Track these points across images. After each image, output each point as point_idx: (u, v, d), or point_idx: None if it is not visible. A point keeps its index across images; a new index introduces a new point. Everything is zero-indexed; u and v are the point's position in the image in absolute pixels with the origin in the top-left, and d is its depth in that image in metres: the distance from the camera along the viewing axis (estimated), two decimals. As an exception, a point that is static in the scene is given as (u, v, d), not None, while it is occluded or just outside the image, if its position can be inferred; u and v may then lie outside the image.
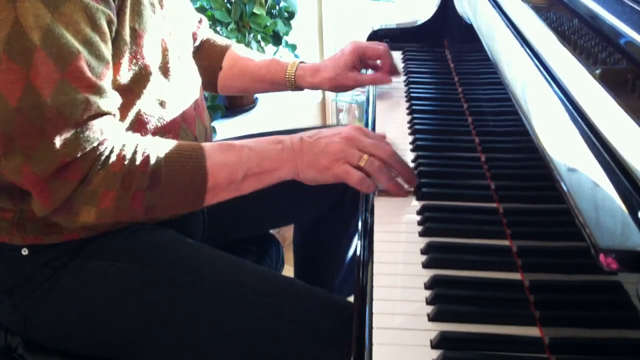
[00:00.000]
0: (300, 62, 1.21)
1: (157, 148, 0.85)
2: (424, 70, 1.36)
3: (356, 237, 0.86)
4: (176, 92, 0.96)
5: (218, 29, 2.20)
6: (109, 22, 0.82)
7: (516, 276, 0.73)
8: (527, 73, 0.74)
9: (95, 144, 0.79)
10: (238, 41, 2.28)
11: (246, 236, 1.24)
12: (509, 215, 0.81)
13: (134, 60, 0.87)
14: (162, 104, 0.92)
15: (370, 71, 1.26)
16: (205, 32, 1.24)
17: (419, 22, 1.52)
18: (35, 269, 0.90)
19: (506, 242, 0.78)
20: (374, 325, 0.66)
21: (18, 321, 0.93)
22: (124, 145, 0.82)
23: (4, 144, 0.78)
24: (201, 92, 1.07)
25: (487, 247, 0.78)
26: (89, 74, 0.78)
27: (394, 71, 1.25)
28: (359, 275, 0.77)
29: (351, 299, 0.79)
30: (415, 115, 1.14)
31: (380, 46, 1.23)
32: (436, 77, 1.34)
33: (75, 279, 0.90)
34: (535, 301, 0.67)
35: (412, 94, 1.24)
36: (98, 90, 0.79)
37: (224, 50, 1.23)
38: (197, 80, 1.06)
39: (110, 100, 0.82)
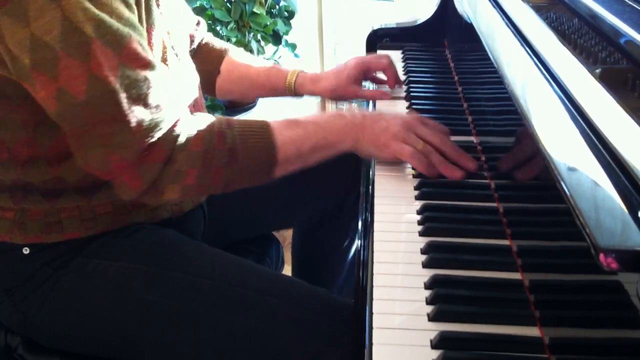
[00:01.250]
0: (301, 71, 1.22)
1: (230, 125, 0.88)
2: (423, 69, 1.36)
3: (356, 238, 0.86)
4: (175, 89, 0.96)
5: (218, 28, 2.20)
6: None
7: (516, 276, 0.73)
8: (527, 72, 0.74)
9: (171, 123, 0.83)
10: (238, 40, 2.28)
11: (246, 237, 1.24)
12: (509, 215, 0.81)
13: None
14: None
15: (371, 85, 1.27)
16: (203, 34, 1.24)
17: (419, 22, 1.51)
18: (35, 268, 0.90)
19: (506, 242, 0.78)
20: (374, 325, 0.66)
21: (18, 321, 0.93)
22: (198, 125, 0.86)
23: (77, 140, 0.80)
24: (200, 90, 1.07)
25: (487, 247, 0.78)
26: (142, 53, 0.80)
27: (397, 82, 1.26)
28: (359, 275, 0.77)
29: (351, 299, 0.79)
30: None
31: (383, 59, 1.24)
32: (436, 76, 1.34)
33: (75, 278, 0.90)
34: (535, 301, 0.67)
35: (412, 94, 1.24)
36: (153, 67, 0.82)
37: (222, 54, 1.23)
38: (195, 78, 1.06)
39: (163, 73, 0.84)
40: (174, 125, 0.83)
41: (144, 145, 0.80)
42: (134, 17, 0.81)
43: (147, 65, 0.81)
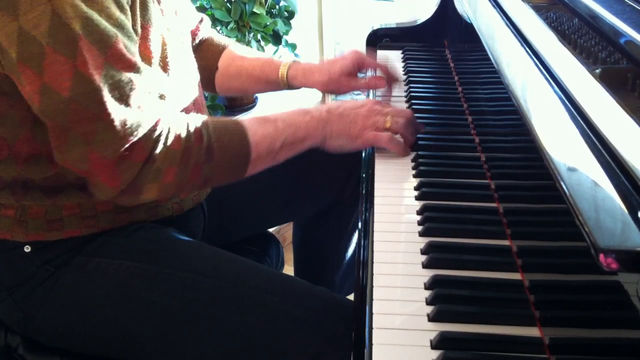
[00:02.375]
0: (294, 62, 1.20)
1: (205, 124, 0.89)
2: (423, 69, 1.36)
3: (356, 235, 0.87)
4: (175, 87, 0.96)
5: (218, 28, 2.20)
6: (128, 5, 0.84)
7: (516, 276, 0.73)
8: (527, 72, 0.74)
9: (152, 123, 0.83)
10: (238, 40, 2.28)
11: (246, 234, 1.24)
12: (509, 215, 0.81)
13: (139, 54, 0.87)
14: (161, 97, 0.92)
15: (371, 93, 1.26)
16: (206, 31, 1.24)
17: (419, 22, 1.51)
18: (36, 266, 0.90)
19: (506, 242, 0.78)
20: (374, 325, 0.66)
21: (19, 319, 0.93)
22: (177, 123, 0.86)
23: (59, 137, 0.80)
24: (200, 89, 1.07)
25: (487, 247, 0.78)
26: (127, 54, 0.80)
27: (392, 80, 1.24)
28: (359, 275, 0.77)
29: (351, 297, 0.79)
30: (415, 115, 1.14)
31: (380, 66, 1.23)
32: (436, 76, 1.34)
33: (76, 277, 0.90)
34: (535, 301, 0.67)
35: (412, 94, 1.24)
36: (138, 69, 0.82)
37: (220, 49, 1.23)
38: (196, 77, 1.06)
39: (148, 77, 0.84)
40: (155, 125, 0.83)
41: (124, 144, 0.80)
42: (124, 19, 0.81)
43: (132, 67, 0.81)
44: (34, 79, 0.75)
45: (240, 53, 1.23)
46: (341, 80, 1.18)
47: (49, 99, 0.76)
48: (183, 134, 0.86)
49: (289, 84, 1.20)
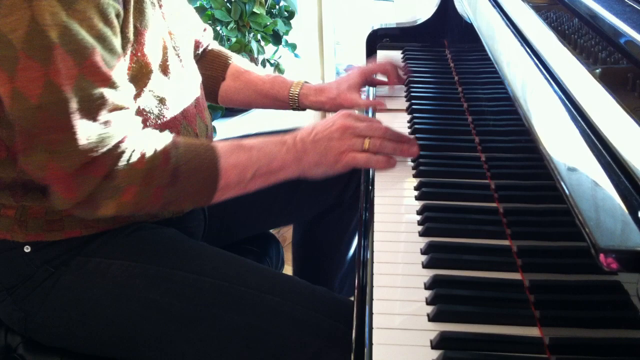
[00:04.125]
0: (306, 82, 1.23)
1: (175, 145, 0.86)
2: (423, 69, 1.36)
3: (356, 238, 0.86)
4: (176, 89, 0.96)
5: (218, 28, 2.20)
6: (117, 16, 0.83)
7: (516, 276, 0.73)
8: (527, 72, 0.74)
9: (117, 140, 0.81)
10: (238, 40, 2.28)
11: (246, 235, 1.24)
12: (509, 215, 0.81)
13: (135, 58, 0.87)
14: (162, 100, 0.93)
15: (371, 91, 1.28)
16: (209, 41, 1.25)
17: (419, 22, 1.51)
18: (36, 266, 0.90)
19: (506, 242, 0.78)
20: (374, 325, 0.66)
21: (19, 319, 0.93)
22: (145, 142, 0.84)
23: (25, 141, 0.79)
24: (202, 90, 1.07)
25: (487, 247, 0.78)
26: (104, 68, 0.79)
27: (399, 81, 1.28)
28: (359, 275, 0.77)
29: (352, 298, 0.79)
30: (415, 115, 1.14)
31: (386, 65, 1.26)
32: (436, 76, 1.34)
33: (76, 277, 0.90)
34: (535, 301, 0.67)
35: (412, 94, 1.24)
36: (112, 84, 0.80)
37: (227, 61, 1.24)
38: (197, 79, 1.06)
39: (124, 93, 0.83)
40: (121, 142, 0.81)
41: (85, 158, 0.79)
42: (107, 31, 0.80)
43: (106, 81, 0.79)
44: (6, 82, 0.75)
45: (246, 67, 1.25)
46: (347, 95, 1.20)
47: (18, 104, 0.76)
48: (149, 154, 0.83)
49: (298, 103, 1.22)
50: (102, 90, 0.79)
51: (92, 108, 0.78)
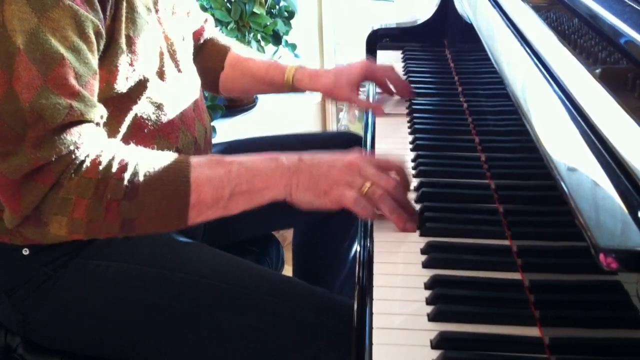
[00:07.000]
0: (300, 66, 1.21)
1: (138, 157, 0.80)
2: (423, 69, 1.36)
3: (356, 238, 0.86)
4: (173, 94, 0.96)
5: (218, 28, 2.20)
6: (97, 34, 0.80)
7: (516, 276, 0.73)
8: (527, 72, 0.74)
9: (71, 148, 0.76)
10: (238, 40, 2.28)
11: (246, 237, 1.24)
12: (509, 215, 0.81)
13: (131, 68, 0.87)
14: (159, 106, 0.92)
15: (372, 90, 1.27)
16: (210, 31, 1.25)
17: (419, 22, 1.51)
18: (35, 269, 0.90)
19: (506, 242, 0.78)
20: (374, 325, 0.66)
21: (18, 321, 0.93)
22: (101, 152, 0.78)
23: None
24: (201, 93, 1.07)
25: (487, 247, 0.78)
26: (72, 81, 0.76)
27: (403, 92, 1.23)
28: (359, 275, 0.77)
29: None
30: (415, 115, 1.14)
31: (389, 70, 1.23)
32: (436, 76, 1.34)
33: (74, 279, 0.90)
34: (535, 301, 0.67)
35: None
36: (82, 98, 0.77)
37: (225, 50, 1.24)
38: (195, 81, 1.06)
39: (94, 110, 0.79)
40: (75, 149, 0.76)
41: (34, 166, 0.74)
42: (82, 45, 0.77)
43: (74, 95, 0.75)
44: None
45: (245, 55, 1.25)
46: (344, 90, 1.18)
47: None
48: (103, 163, 0.77)
49: (293, 87, 1.21)
50: (70, 102, 0.75)
51: (55, 118, 0.74)
